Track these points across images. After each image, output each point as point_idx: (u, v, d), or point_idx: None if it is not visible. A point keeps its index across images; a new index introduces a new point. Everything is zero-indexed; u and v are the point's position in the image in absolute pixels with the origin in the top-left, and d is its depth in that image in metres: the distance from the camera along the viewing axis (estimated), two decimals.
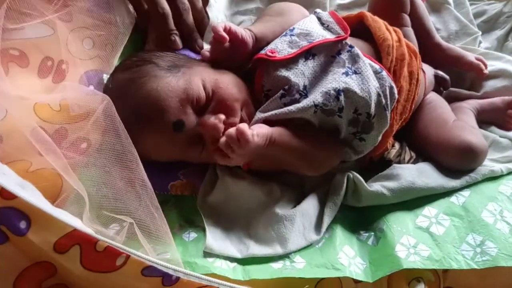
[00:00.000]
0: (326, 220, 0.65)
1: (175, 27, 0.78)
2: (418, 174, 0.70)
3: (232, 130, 0.58)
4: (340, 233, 0.65)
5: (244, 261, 0.59)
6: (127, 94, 0.63)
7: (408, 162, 0.76)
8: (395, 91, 0.70)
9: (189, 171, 0.70)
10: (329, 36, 0.70)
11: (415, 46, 0.81)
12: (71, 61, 0.65)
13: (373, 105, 0.67)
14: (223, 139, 0.60)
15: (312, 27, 0.71)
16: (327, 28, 0.72)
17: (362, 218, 0.69)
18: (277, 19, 0.75)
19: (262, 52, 0.69)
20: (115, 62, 0.72)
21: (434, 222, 0.65)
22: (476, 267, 0.59)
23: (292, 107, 0.65)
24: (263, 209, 0.65)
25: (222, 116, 0.64)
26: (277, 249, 0.60)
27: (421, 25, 0.90)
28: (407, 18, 0.88)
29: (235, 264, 0.58)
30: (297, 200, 0.68)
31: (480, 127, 0.83)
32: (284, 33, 0.71)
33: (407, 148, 0.78)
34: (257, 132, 0.59)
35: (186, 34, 0.80)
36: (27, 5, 0.60)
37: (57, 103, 0.57)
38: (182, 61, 0.68)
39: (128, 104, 0.62)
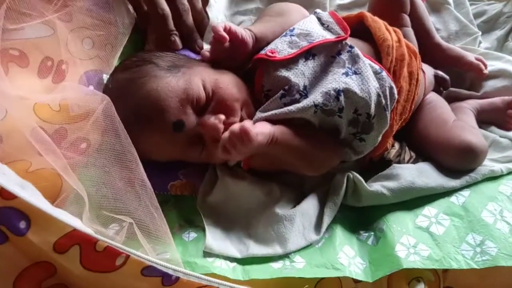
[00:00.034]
0: (326, 220, 0.65)
1: (174, 28, 0.78)
2: (418, 174, 0.70)
3: (236, 127, 0.58)
4: (340, 233, 0.65)
5: (243, 261, 0.59)
6: (127, 94, 0.63)
7: (408, 162, 0.76)
8: (395, 91, 0.70)
9: (189, 171, 0.70)
10: (329, 37, 0.70)
11: (415, 46, 0.82)
12: (71, 61, 0.65)
13: (373, 106, 0.67)
14: (226, 134, 0.59)
15: (312, 27, 0.71)
16: (327, 28, 0.72)
17: (362, 218, 0.69)
18: (277, 19, 0.75)
19: (262, 52, 0.69)
20: (115, 62, 0.72)
21: (434, 222, 0.65)
22: (476, 266, 0.59)
23: (292, 107, 0.65)
24: (263, 209, 0.65)
25: (222, 116, 0.64)
26: (277, 249, 0.60)
27: (421, 25, 0.90)
28: (407, 18, 0.88)
29: (234, 264, 0.58)
30: (297, 200, 0.68)
31: (480, 127, 0.83)
32: (284, 34, 0.71)
33: (407, 148, 0.78)
34: (261, 131, 0.59)
35: (186, 35, 0.80)
36: (27, 5, 0.60)
37: (57, 103, 0.57)
38: (182, 61, 0.68)
39: (128, 104, 0.62)
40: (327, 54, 0.69)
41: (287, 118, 0.65)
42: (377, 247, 0.63)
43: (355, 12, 0.86)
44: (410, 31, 0.87)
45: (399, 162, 0.75)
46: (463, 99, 0.90)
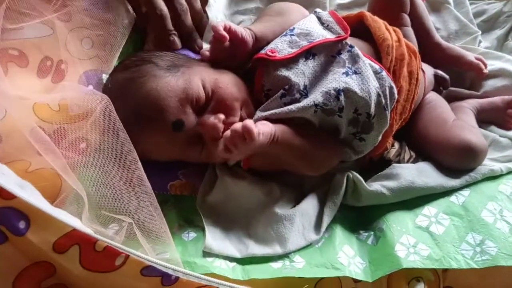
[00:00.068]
0: (326, 220, 0.65)
1: (173, 28, 0.78)
2: (417, 173, 0.70)
3: (238, 126, 0.58)
4: (339, 232, 0.65)
5: (243, 261, 0.59)
6: (127, 94, 0.63)
7: (407, 162, 0.76)
8: (395, 91, 0.70)
9: (188, 171, 0.70)
10: (329, 36, 0.70)
11: (414, 46, 0.81)
12: (70, 61, 0.65)
13: (373, 105, 0.67)
14: (228, 133, 0.59)
15: (312, 27, 0.71)
16: (327, 28, 0.72)
17: (361, 218, 0.69)
18: (277, 19, 0.75)
19: (262, 51, 0.69)
20: (114, 62, 0.72)
21: (434, 221, 0.65)
22: (475, 266, 0.59)
23: (292, 107, 0.65)
24: (262, 209, 0.65)
25: (222, 116, 0.64)
26: (277, 249, 0.60)
27: (421, 25, 0.90)
28: (406, 18, 0.88)
29: (234, 263, 0.58)
30: (296, 200, 0.68)
31: (480, 126, 0.83)
32: (284, 33, 0.71)
33: (406, 148, 0.78)
34: (262, 130, 0.59)
35: (185, 35, 0.80)
36: (26, 5, 0.60)
37: (56, 103, 0.58)
38: (182, 61, 0.68)
39: (128, 104, 0.62)
40: (327, 54, 0.69)
41: (287, 118, 0.65)
42: (376, 246, 0.63)
43: (355, 11, 0.86)
44: (410, 30, 0.87)
45: (399, 162, 0.75)
46: (463, 98, 0.90)
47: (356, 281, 0.59)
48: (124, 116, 0.56)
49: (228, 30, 0.66)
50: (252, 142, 0.57)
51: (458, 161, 0.72)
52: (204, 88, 0.64)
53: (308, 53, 0.68)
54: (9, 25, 0.58)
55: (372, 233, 0.66)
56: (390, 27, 0.78)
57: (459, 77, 0.93)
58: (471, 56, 0.91)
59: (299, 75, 0.66)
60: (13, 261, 0.41)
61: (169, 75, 0.64)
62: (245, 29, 0.70)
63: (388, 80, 0.69)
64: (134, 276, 0.44)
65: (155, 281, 0.45)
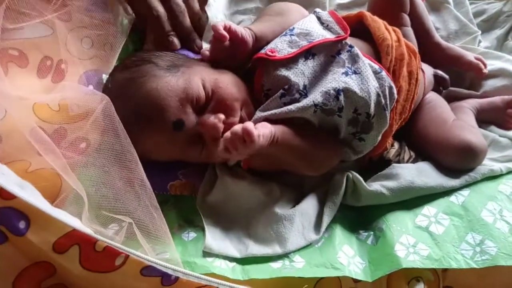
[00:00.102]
0: (326, 220, 0.65)
1: (172, 29, 0.78)
2: (417, 173, 0.70)
3: (238, 128, 0.57)
4: (339, 232, 0.65)
5: (243, 261, 0.59)
6: (127, 94, 0.63)
7: (407, 162, 0.76)
8: (395, 91, 0.70)
9: (188, 171, 0.70)
10: (329, 36, 0.70)
11: (414, 45, 0.81)
12: (70, 60, 0.65)
13: (372, 105, 0.67)
14: (228, 134, 0.59)
15: (312, 27, 0.71)
16: (327, 27, 0.72)
17: (361, 218, 0.69)
18: (277, 18, 0.75)
19: (262, 51, 0.69)
20: (114, 62, 0.72)
21: (434, 221, 0.65)
22: (475, 266, 0.59)
23: (292, 107, 0.65)
24: (262, 209, 0.65)
25: (222, 116, 0.64)
26: (276, 249, 0.60)
27: (421, 25, 0.90)
28: (406, 18, 0.88)
29: (234, 263, 0.58)
30: (296, 200, 0.68)
31: (480, 126, 0.83)
32: (284, 33, 0.71)
33: (406, 148, 0.78)
34: (262, 132, 0.59)
35: (183, 35, 0.80)
36: (26, 5, 0.60)
37: (56, 103, 0.58)
38: (182, 61, 0.68)
39: (128, 104, 0.62)
40: (327, 54, 0.69)
41: (287, 118, 0.65)
42: (376, 246, 0.63)
43: (354, 11, 0.86)
44: (409, 30, 0.87)
45: (398, 162, 0.75)
46: (463, 98, 0.90)
47: (355, 281, 0.59)
48: (124, 116, 0.56)
49: (228, 29, 0.66)
50: (252, 144, 0.57)
51: (458, 161, 0.72)
52: (204, 88, 0.64)
53: (308, 53, 0.68)
54: (9, 25, 0.58)
55: (372, 233, 0.66)
56: (389, 27, 0.78)
57: (458, 77, 0.93)
58: (470, 56, 0.91)
59: (298, 75, 0.66)
60: (13, 261, 0.41)
61: (169, 75, 0.64)
62: (245, 28, 0.70)
63: (388, 80, 0.69)
64: (134, 276, 0.44)
65: (155, 281, 0.45)
